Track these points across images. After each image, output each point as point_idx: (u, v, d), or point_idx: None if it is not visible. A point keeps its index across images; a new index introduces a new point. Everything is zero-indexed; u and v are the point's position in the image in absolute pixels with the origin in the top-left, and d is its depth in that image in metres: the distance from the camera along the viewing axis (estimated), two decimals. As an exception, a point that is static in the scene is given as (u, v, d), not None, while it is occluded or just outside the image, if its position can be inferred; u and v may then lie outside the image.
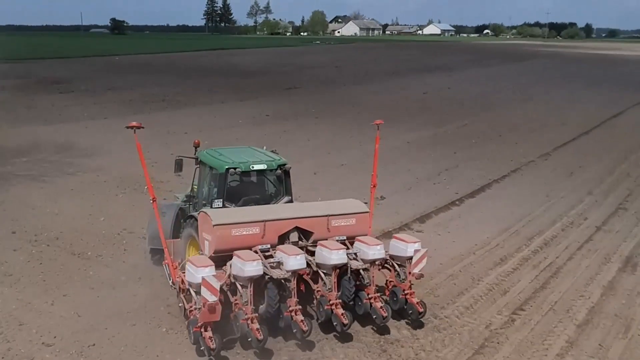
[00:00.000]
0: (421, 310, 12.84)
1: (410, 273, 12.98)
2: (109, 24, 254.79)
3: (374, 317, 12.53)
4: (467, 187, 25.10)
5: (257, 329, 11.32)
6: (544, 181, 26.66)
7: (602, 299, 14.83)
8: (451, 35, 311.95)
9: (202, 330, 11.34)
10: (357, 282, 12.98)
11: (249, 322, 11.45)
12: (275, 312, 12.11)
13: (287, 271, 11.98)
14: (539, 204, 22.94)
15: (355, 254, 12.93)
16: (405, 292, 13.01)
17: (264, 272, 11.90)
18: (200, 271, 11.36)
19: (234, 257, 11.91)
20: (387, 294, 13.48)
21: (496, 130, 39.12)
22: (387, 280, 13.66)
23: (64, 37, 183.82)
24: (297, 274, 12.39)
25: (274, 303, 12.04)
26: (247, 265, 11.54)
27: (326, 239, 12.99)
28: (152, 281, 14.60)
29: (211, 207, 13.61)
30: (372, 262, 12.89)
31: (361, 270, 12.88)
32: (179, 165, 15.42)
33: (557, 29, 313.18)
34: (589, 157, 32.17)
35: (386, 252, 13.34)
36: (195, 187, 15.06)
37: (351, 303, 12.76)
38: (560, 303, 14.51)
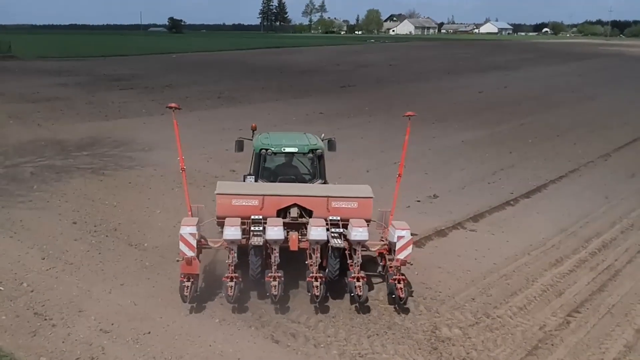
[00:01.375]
0: (402, 295, 13.11)
1: (396, 259, 13.36)
2: (167, 23, 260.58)
3: (352, 294, 13.05)
4: (522, 187, 24.61)
5: (230, 287, 12.67)
6: (603, 182, 25.89)
7: (664, 303, 14.33)
8: (509, 34, 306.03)
9: (185, 280, 12.90)
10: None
11: (228, 280, 12.77)
12: (257, 276, 13.22)
13: (264, 240, 13.03)
14: (598, 206, 22.30)
15: (341, 233, 13.50)
16: (394, 277, 13.31)
17: (247, 239, 13.24)
18: (182, 229, 12.87)
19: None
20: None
21: (554, 130, 38.18)
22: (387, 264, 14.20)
23: (124, 35, 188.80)
24: (301, 248, 13.66)
25: (255, 267, 13.16)
26: (227, 230, 13.02)
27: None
28: (206, 274, 14.84)
29: (244, 181, 15.32)
30: (358, 243, 13.38)
31: (351, 250, 13.54)
32: (239, 146, 16.94)
33: (620, 27, 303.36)
34: (652, 158, 31.05)
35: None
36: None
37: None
38: (618, 306, 14.08)
